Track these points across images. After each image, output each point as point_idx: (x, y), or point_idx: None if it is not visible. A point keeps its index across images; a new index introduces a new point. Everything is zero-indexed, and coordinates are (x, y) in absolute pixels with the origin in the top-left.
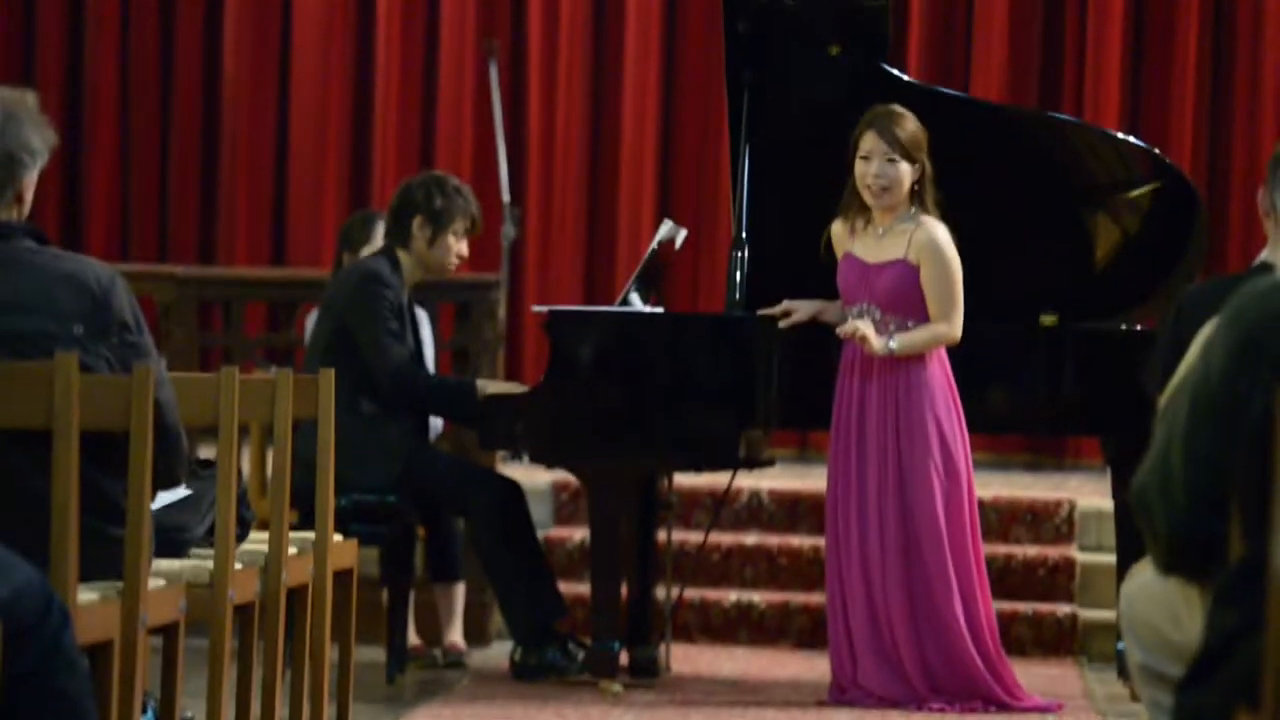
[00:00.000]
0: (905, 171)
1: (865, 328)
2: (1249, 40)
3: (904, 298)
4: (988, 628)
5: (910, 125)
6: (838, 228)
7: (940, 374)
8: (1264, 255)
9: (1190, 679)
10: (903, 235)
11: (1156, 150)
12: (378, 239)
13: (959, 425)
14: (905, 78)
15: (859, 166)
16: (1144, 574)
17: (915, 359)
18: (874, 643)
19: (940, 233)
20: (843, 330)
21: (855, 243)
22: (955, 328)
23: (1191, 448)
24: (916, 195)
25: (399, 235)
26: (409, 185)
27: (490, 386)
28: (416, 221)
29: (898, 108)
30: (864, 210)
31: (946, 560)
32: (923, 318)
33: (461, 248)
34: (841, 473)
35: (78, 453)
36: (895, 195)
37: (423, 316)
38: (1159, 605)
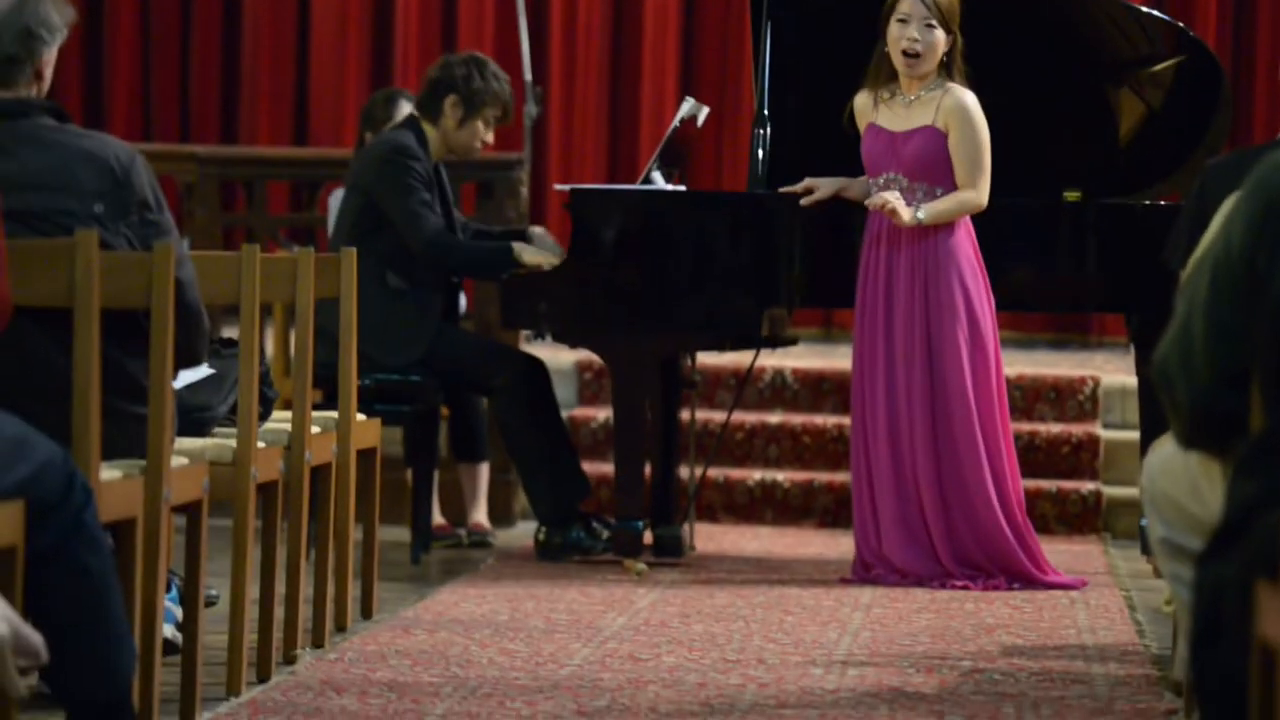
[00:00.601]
0: (940, 39)
1: (894, 199)
2: None
3: (931, 164)
4: (1016, 500)
5: None
6: (861, 99)
7: (968, 244)
8: None
9: (1210, 551)
10: (930, 102)
11: (1180, 24)
12: (400, 118)
13: (986, 296)
14: None
15: (894, 30)
16: (1165, 448)
17: (943, 229)
18: (901, 517)
19: (969, 98)
20: (871, 201)
21: (880, 113)
22: (982, 194)
23: (1212, 321)
24: (945, 66)
25: (430, 109)
26: (449, 62)
27: (525, 253)
28: (450, 99)
29: None
30: (890, 80)
31: (976, 431)
32: (949, 185)
33: (488, 135)
34: (868, 346)
35: (99, 331)
36: (929, 62)
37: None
38: (1180, 479)
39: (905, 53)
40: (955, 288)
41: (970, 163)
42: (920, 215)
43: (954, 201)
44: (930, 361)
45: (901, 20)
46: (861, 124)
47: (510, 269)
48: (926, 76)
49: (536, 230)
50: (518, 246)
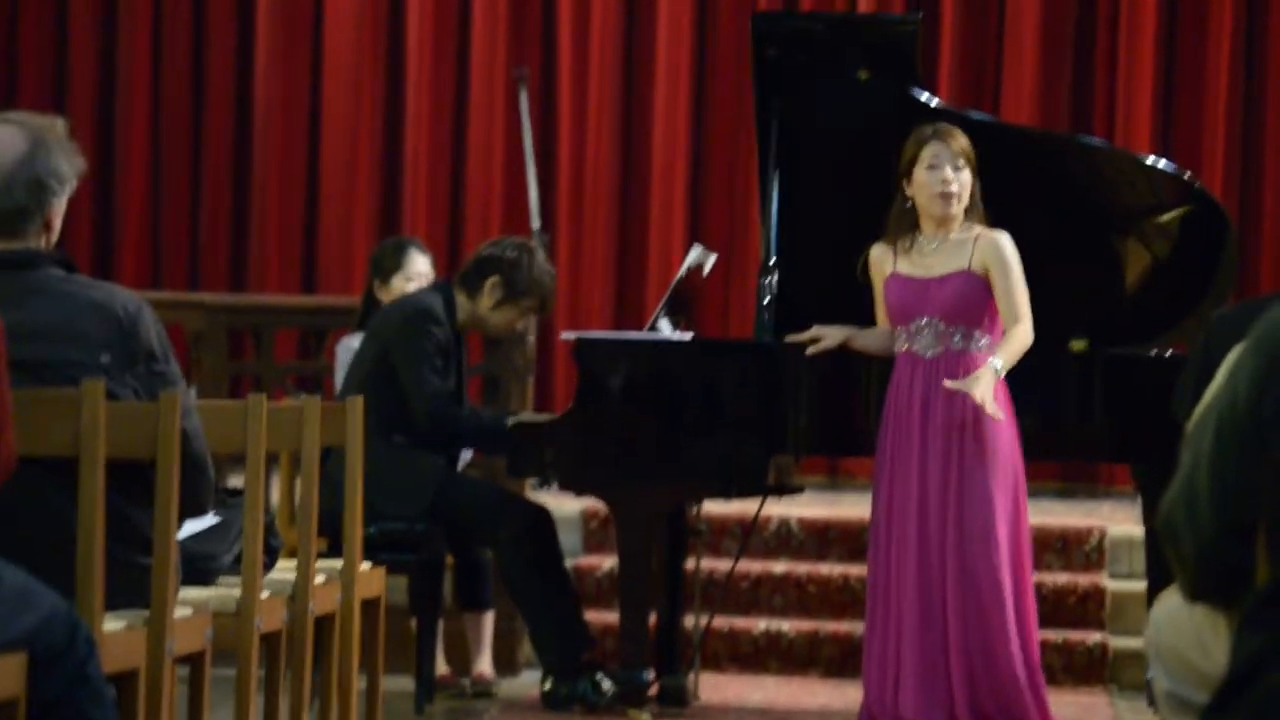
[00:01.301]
0: (969, 179)
1: (984, 390)
2: None
3: (968, 307)
4: (1033, 653)
5: (962, 137)
6: (878, 251)
7: (1002, 391)
8: None
9: (1216, 706)
10: (961, 246)
11: (1187, 174)
12: (410, 267)
13: (1018, 444)
14: (935, 102)
15: (925, 176)
16: (1171, 601)
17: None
18: (922, 670)
19: (1004, 238)
20: (976, 392)
21: (901, 263)
22: (1030, 327)
23: (1217, 474)
24: (970, 207)
25: (471, 283)
26: (504, 244)
27: (524, 418)
28: (493, 280)
29: (945, 124)
30: (910, 230)
31: (1006, 582)
32: (985, 327)
33: (521, 323)
34: (899, 492)
35: (104, 481)
36: (963, 203)
37: None
38: (1186, 632)
39: (943, 195)
40: (993, 434)
41: (1017, 299)
42: (997, 366)
43: (1017, 342)
44: (962, 509)
45: (932, 167)
46: (879, 275)
47: (506, 443)
48: (953, 221)
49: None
50: (513, 420)
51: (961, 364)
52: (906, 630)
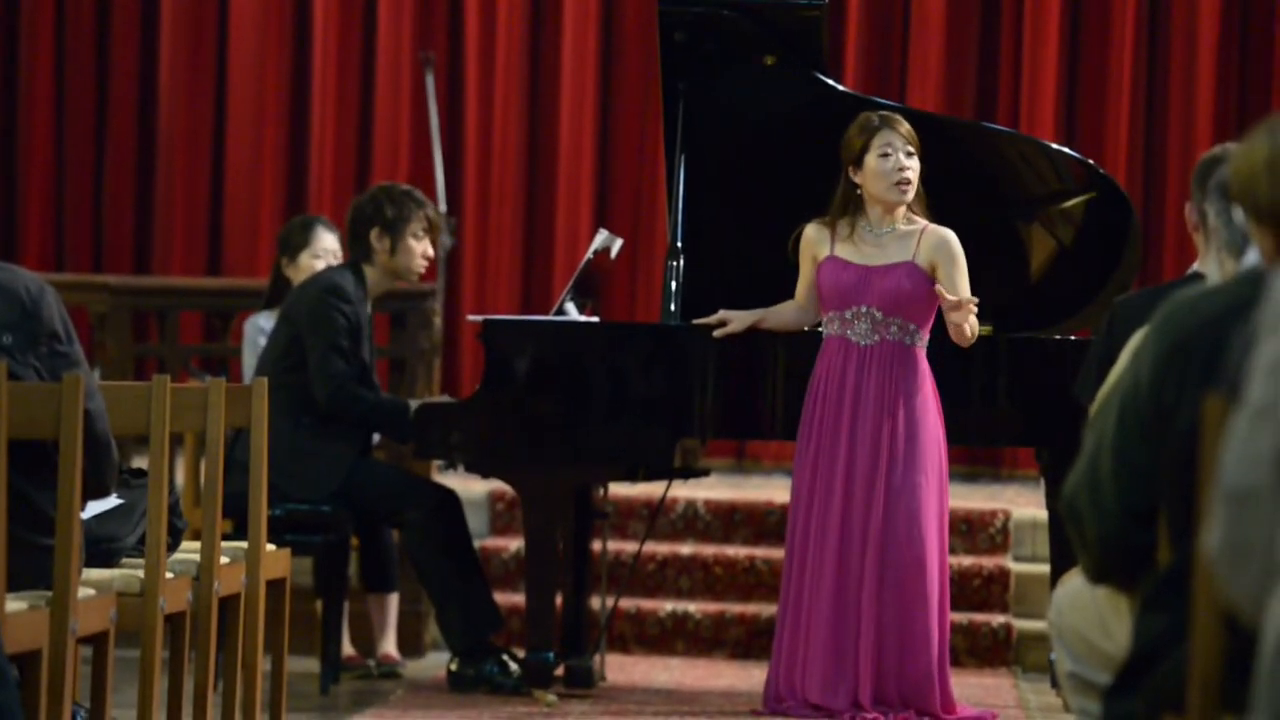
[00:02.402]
0: (919, 167)
1: (968, 316)
2: (1183, 51)
3: (908, 300)
4: (946, 640)
5: (909, 126)
6: (813, 231)
7: (931, 378)
8: (1196, 266)
9: (1117, 686)
10: (906, 238)
11: (1090, 161)
12: (317, 244)
13: (944, 431)
14: (841, 87)
15: (879, 164)
16: (1074, 583)
17: (914, 361)
18: (833, 653)
19: (950, 235)
20: (955, 316)
21: (840, 246)
22: (977, 324)
23: (1120, 458)
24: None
25: (360, 250)
26: (358, 202)
27: (429, 401)
28: (374, 234)
29: (889, 112)
30: (853, 215)
31: (931, 567)
32: (922, 321)
33: (424, 248)
34: (823, 474)
35: (6, 462)
36: (913, 191)
37: None
38: (1088, 614)
39: (900, 183)
40: (927, 419)
41: (966, 294)
42: (973, 323)
43: (975, 322)
44: (890, 495)
45: (884, 155)
46: (811, 255)
47: (408, 428)
48: (900, 209)
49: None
50: (415, 403)
51: (897, 355)
52: (819, 612)
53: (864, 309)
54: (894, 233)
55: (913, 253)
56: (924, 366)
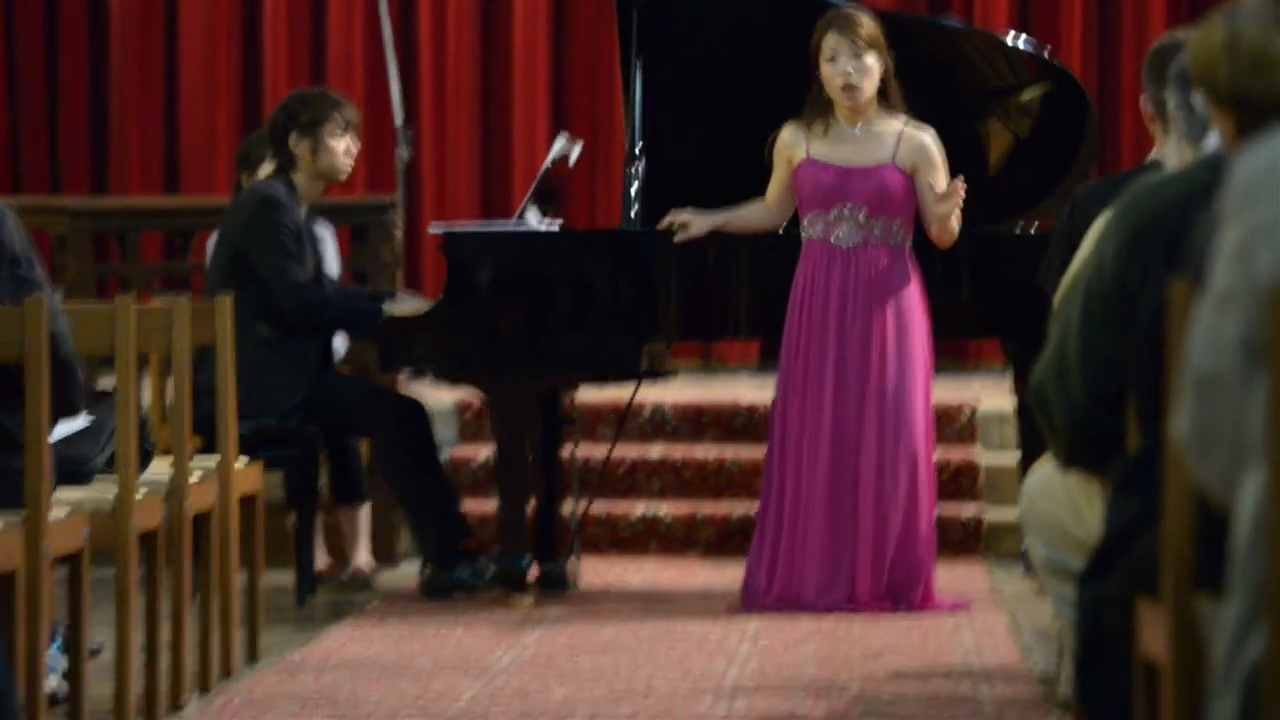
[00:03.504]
0: (873, 65)
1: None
2: None
3: (891, 199)
4: (933, 532)
5: (867, 20)
6: (789, 133)
7: (918, 273)
8: (1153, 154)
9: (1091, 570)
10: (886, 138)
11: (1046, 51)
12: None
13: (929, 324)
14: None
15: (826, 69)
16: (1044, 471)
17: (902, 256)
18: (826, 550)
19: (929, 136)
20: (943, 209)
21: (815, 146)
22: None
23: (1086, 344)
24: (882, 93)
25: (285, 158)
26: (272, 117)
27: (395, 309)
28: (291, 139)
29: (850, 7)
30: (824, 115)
31: (924, 465)
32: (907, 219)
33: (345, 145)
34: (813, 372)
35: None
36: (868, 90)
37: (326, 233)
38: (1059, 500)
39: (844, 88)
40: (914, 317)
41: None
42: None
43: (954, 229)
44: (884, 393)
45: (831, 59)
46: (786, 158)
47: (377, 326)
48: (867, 108)
49: (403, 294)
50: (388, 304)
51: (883, 256)
52: (814, 512)
53: (847, 210)
54: (869, 133)
55: (892, 154)
56: (910, 265)
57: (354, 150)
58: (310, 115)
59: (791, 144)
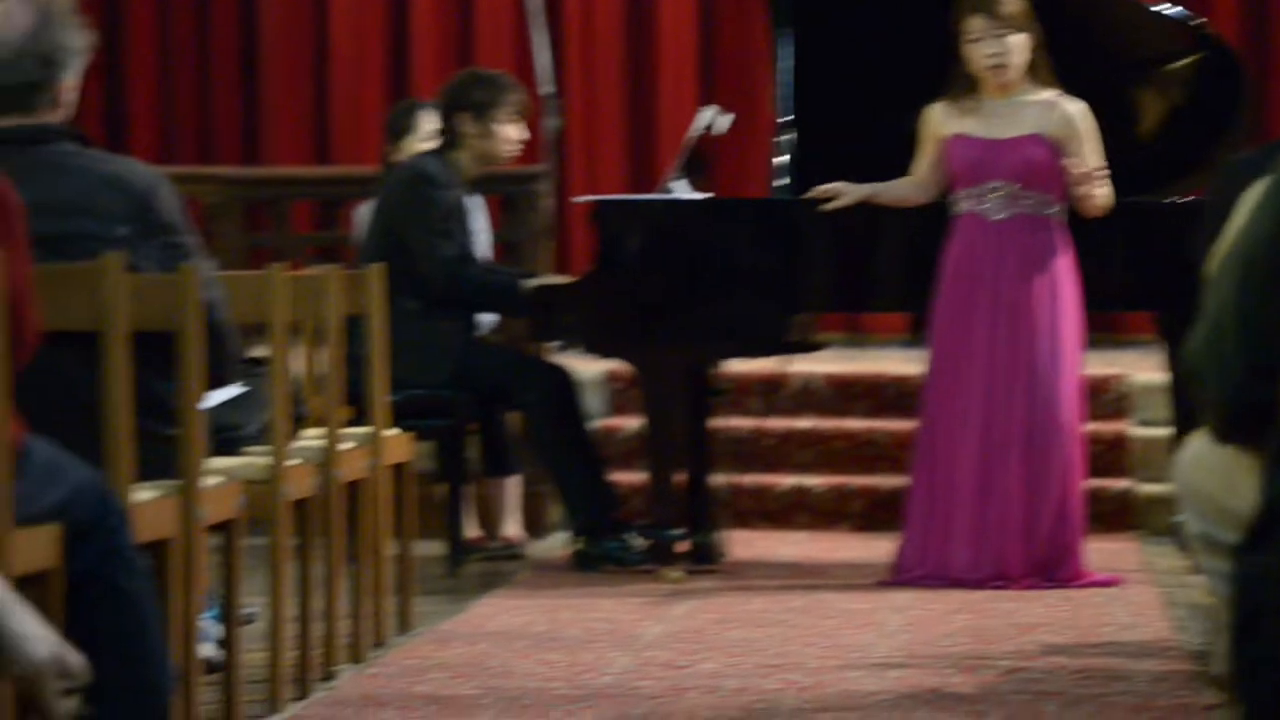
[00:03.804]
0: (1018, 44)
1: (1095, 173)
2: None
3: (1041, 171)
4: (1082, 505)
5: (1012, 1)
6: (937, 111)
7: (1070, 248)
8: None
9: (1248, 543)
10: (1033, 109)
11: (1199, 20)
12: (422, 128)
13: (1081, 298)
14: None
15: (969, 50)
16: (1199, 443)
17: (1056, 230)
18: (978, 524)
19: (1081, 107)
20: (1077, 177)
21: (966, 122)
22: (1110, 193)
23: (1243, 313)
24: (1031, 66)
25: (450, 136)
26: (447, 87)
27: (534, 285)
28: (463, 119)
29: None
30: (970, 90)
31: (1076, 435)
32: (1058, 192)
33: (514, 132)
34: (963, 350)
35: (128, 353)
36: (1016, 69)
37: (477, 205)
38: (1214, 473)
39: (992, 69)
40: (1065, 289)
41: (1099, 168)
42: (1104, 194)
43: (1103, 198)
44: (1035, 365)
45: (975, 40)
46: (935, 134)
47: (520, 302)
48: (1014, 85)
49: (549, 277)
50: (525, 281)
51: (1033, 227)
52: (965, 486)
53: (997, 183)
54: (1018, 103)
55: (1043, 125)
56: (1062, 236)
57: (521, 137)
58: (485, 97)
59: (940, 121)
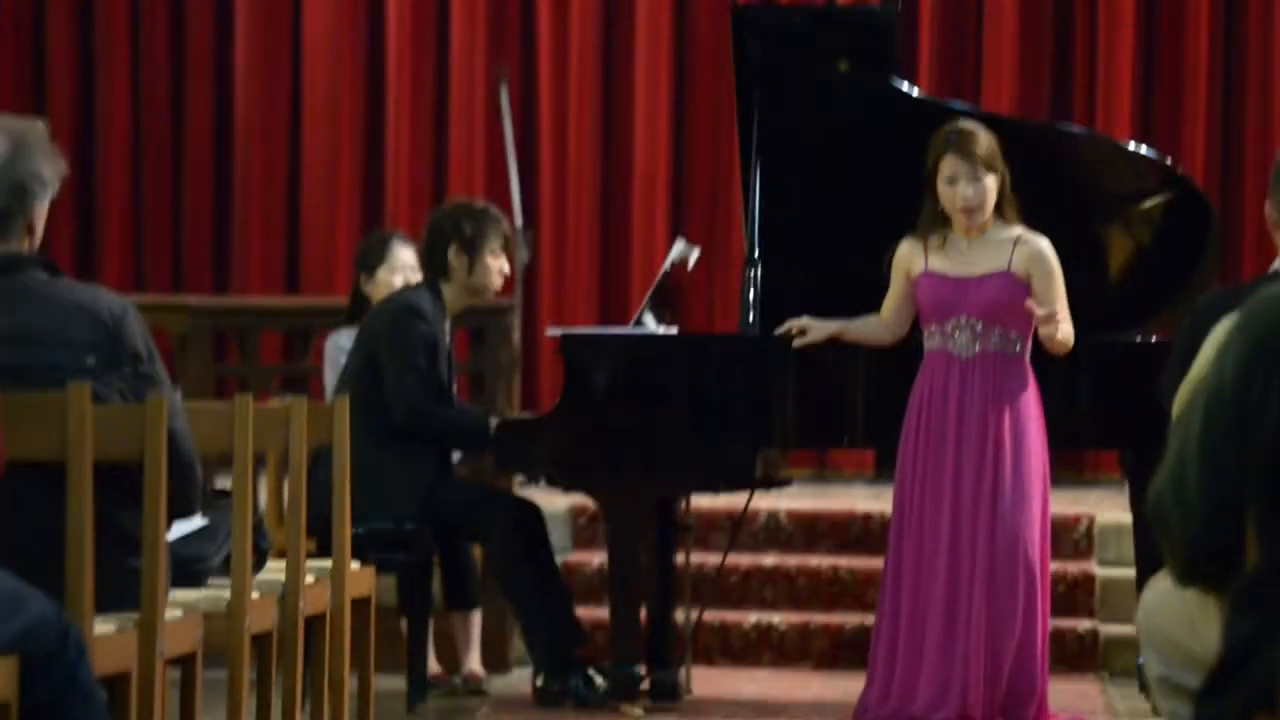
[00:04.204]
0: (991, 185)
1: (1057, 314)
2: (1260, 49)
3: (1006, 309)
4: (1046, 646)
5: (984, 138)
6: (906, 247)
7: (1035, 386)
8: (1277, 264)
9: (1209, 688)
10: (1000, 246)
11: (1168, 160)
12: (394, 259)
13: (1047, 442)
14: (915, 92)
15: (945, 191)
16: (1161, 585)
17: (1022, 370)
18: (941, 665)
19: (1045, 245)
20: (1044, 324)
21: (933, 259)
22: (1072, 331)
23: (1206, 456)
24: (997, 206)
25: (437, 267)
26: (435, 219)
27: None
28: (452, 251)
29: (965, 124)
30: (941, 228)
31: (1040, 582)
32: (1022, 329)
33: (501, 265)
34: (930, 490)
35: (91, 484)
36: (986, 210)
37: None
38: (1176, 616)
39: (964, 211)
40: (1030, 427)
41: (1063, 306)
42: (1067, 332)
43: (1065, 338)
44: (998, 508)
45: (950, 180)
46: (904, 271)
47: (486, 441)
48: (984, 225)
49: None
50: (494, 419)
51: (999, 365)
52: (930, 626)
53: (964, 320)
54: (986, 242)
55: (1008, 262)
56: (1027, 373)
57: (506, 270)
58: (474, 229)
59: (909, 257)
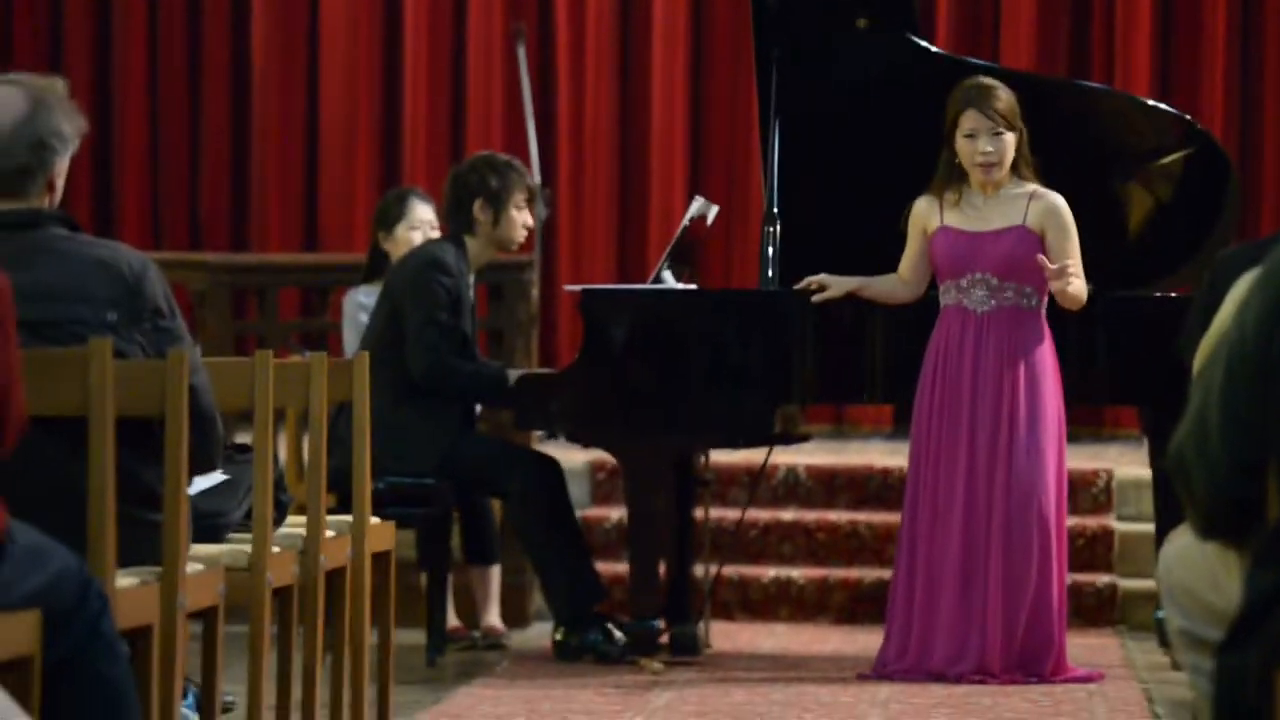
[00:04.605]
0: (1010, 141)
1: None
2: (1279, 4)
3: (1021, 263)
4: (1063, 602)
5: (1005, 95)
6: (924, 204)
7: (1050, 341)
8: None
9: (1230, 641)
10: (1015, 201)
11: (1187, 116)
12: (412, 215)
13: (1061, 393)
14: (934, 48)
15: (964, 145)
16: (1182, 539)
17: (1037, 325)
18: (958, 619)
19: (1060, 201)
20: (1052, 273)
21: (949, 215)
22: (1084, 287)
23: (1228, 410)
24: (1013, 164)
25: (462, 221)
26: (460, 173)
27: (519, 372)
28: (477, 205)
29: (985, 79)
30: (957, 184)
31: (1055, 534)
32: (1037, 284)
33: (525, 218)
34: (945, 444)
35: (113, 439)
36: (1004, 167)
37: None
38: (1197, 569)
39: (982, 166)
40: (1046, 382)
41: (1075, 261)
42: (1078, 288)
43: (1077, 293)
44: (1014, 462)
45: (969, 136)
46: (925, 227)
47: (504, 395)
48: (1001, 181)
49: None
50: (512, 371)
51: (1015, 319)
52: (947, 581)
53: (979, 275)
54: (1001, 198)
55: (1023, 217)
56: (1042, 328)
57: (530, 224)
58: (500, 183)
59: (926, 214)
